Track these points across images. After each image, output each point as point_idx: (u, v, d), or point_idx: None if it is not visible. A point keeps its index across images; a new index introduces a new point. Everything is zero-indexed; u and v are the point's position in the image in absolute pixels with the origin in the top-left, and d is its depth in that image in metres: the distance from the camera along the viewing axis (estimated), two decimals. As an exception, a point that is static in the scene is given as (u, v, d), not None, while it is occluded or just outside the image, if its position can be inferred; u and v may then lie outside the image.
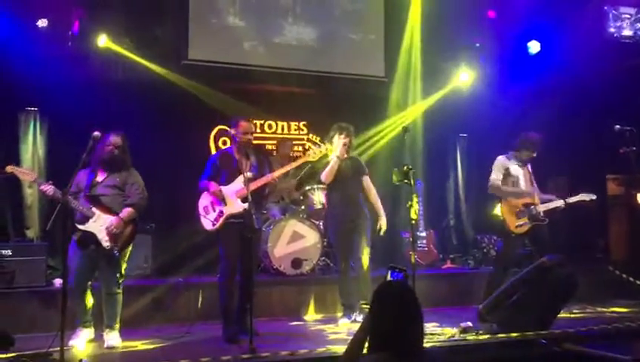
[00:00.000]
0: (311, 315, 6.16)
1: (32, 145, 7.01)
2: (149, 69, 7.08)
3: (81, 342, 4.78)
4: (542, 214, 5.88)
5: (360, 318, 5.43)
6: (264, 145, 8.04)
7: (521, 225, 5.85)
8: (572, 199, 6.00)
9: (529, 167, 6.12)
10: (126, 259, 4.95)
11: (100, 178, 4.89)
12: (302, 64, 8.02)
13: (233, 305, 5.04)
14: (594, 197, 6.06)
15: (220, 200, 5.06)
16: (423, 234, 7.70)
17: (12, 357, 4.24)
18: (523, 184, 5.99)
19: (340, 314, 5.76)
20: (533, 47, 8.48)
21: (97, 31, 6.82)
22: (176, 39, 7.44)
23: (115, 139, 4.90)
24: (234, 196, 5.05)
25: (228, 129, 5.32)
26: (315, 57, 8.13)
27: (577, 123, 8.27)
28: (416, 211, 5.24)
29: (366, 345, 2.59)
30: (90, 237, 4.74)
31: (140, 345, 4.88)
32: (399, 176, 5.31)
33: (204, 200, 5.15)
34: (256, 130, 7.82)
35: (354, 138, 5.83)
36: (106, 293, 4.86)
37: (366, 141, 7.97)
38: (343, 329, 5.42)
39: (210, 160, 5.30)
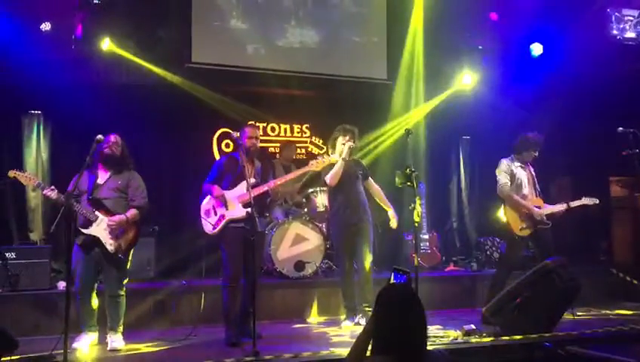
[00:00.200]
0: (314, 318, 6.16)
1: (36, 148, 7.03)
2: (152, 72, 7.10)
3: (85, 344, 4.79)
4: (545, 218, 5.87)
5: (363, 321, 5.42)
6: (267, 148, 8.05)
7: (524, 228, 5.84)
8: (575, 203, 5.99)
9: (531, 169, 6.10)
10: (129, 261, 4.96)
11: (101, 180, 4.90)
12: (305, 67, 8.03)
13: (236, 309, 5.05)
14: (597, 201, 6.05)
15: (223, 204, 5.08)
16: (426, 236, 7.69)
17: (16, 359, 4.25)
18: (526, 187, 5.97)
19: (343, 317, 5.76)
20: (536, 49, 8.49)
21: (101, 34, 6.84)
22: (180, 42, 7.46)
23: (111, 138, 4.90)
24: (236, 201, 5.06)
25: (231, 132, 5.32)
26: (318, 60, 8.14)
27: (580, 125, 8.26)
28: (419, 214, 5.23)
29: (369, 347, 2.59)
30: (94, 241, 4.75)
31: (143, 347, 4.89)
32: (402, 179, 5.31)
33: (207, 203, 5.16)
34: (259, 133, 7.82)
35: (358, 140, 5.84)
36: (109, 296, 4.87)
37: (369, 143, 7.98)
38: (346, 331, 5.42)
39: (216, 163, 5.33)
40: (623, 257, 7.91)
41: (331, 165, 5.56)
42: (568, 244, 7.20)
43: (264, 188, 5.11)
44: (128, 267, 4.95)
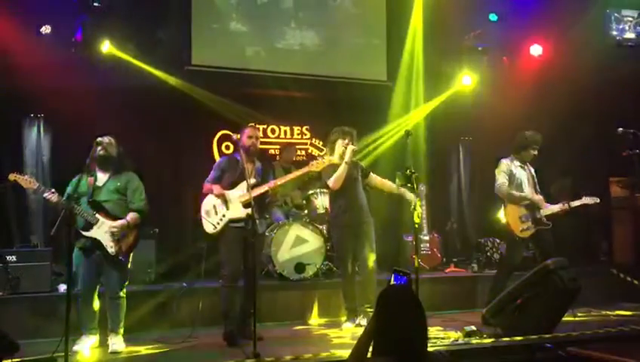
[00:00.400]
0: (315, 319, 6.15)
1: (37, 150, 7.04)
2: (152, 75, 7.10)
3: (86, 347, 4.79)
4: (545, 219, 5.87)
5: (364, 322, 5.42)
6: (267, 149, 8.05)
7: (525, 229, 5.84)
8: (575, 203, 5.98)
9: (531, 169, 6.10)
10: (129, 263, 4.96)
11: (99, 182, 4.90)
12: (304, 69, 8.03)
13: (235, 310, 5.06)
14: (597, 200, 6.04)
15: (223, 203, 5.08)
16: (426, 237, 7.68)
17: (17, 362, 4.26)
18: (527, 187, 5.97)
19: (343, 319, 5.76)
20: (536, 50, 8.49)
21: (101, 37, 6.84)
22: (180, 45, 7.48)
23: (105, 140, 4.88)
24: (236, 201, 5.07)
25: (231, 134, 5.33)
26: (318, 62, 8.16)
27: (580, 126, 8.26)
28: (420, 215, 5.24)
29: (370, 349, 2.59)
30: (95, 244, 4.75)
31: (143, 349, 4.90)
32: (402, 180, 5.31)
33: (208, 203, 5.17)
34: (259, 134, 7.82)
35: (356, 142, 5.84)
36: (110, 298, 4.88)
37: (369, 145, 7.98)
38: (347, 333, 5.42)
39: (217, 163, 5.36)
40: (624, 258, 7.91)
41: (331, 166, 5.55)
42: (568, 245, 7.19)
43: (264, 188, 5.11)
44: (129, 267, 4.96)
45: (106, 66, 6.91)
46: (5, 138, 6.90)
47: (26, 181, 4.76)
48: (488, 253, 7.88)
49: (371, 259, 5.57)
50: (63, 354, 4.04)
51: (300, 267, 6.41)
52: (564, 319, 5.32)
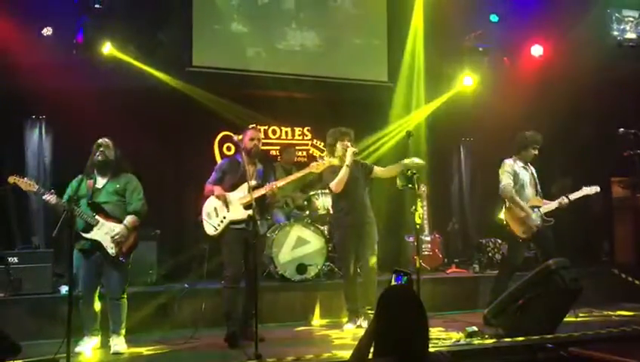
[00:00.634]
0: (316, 320, 6.15)
1: (38, 152, 7.05)
2: (153, 76, 7.11)
3: (88, 348, 4.80)
4: (545, 216, 5.86)
5: (365, 323, 5.42)
6: (268, 151, 8.05)
7: (525, 231, 5.83)
8: (575, 195, 5.94)
9: (533, 170, 6.09)
10: (129, 264, 4.97)
11: (99, 184, 4.90)
12: (305, 69, 8.04)
13: (237, 311, 5.06)
14: (598, 189, 5.99)
15: (224, 205, 5.09)
16: (428, 238, 7.68)
17: (19, 364, 4.26)
18: (529, 188, 5.96)
19: (345, 320, 5.76)
20: (537, 50, 8.49)
21: (102, 39, 6.84)
22: (180, 46, 7.48)
23: (103, 142, 4.89)
24: (237, 202, 5.07)
25: (233, 135, 5.33)
26: (319, 63, 8.16)
27: (581, 126, 8.26)
28: (421, 215, 5.23)
29: (372, 350, 2.59)
30: (95, 245, 4.76)
31: (145, 350, 4.90)
32: (403, 181, 5.31)
33: (209, 204, 5.17)
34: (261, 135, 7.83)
35: (354, 143, 5.81)
36: (111, 299, 4.89)
37: (370, 146, 7.97)
38: (349, 334, 5.42)
39: (218, 165, 5.37)
40: (625, 258, 7.90)
41: (332, 167, 5.56)
42: (570, 245, 7.19)
43: (264, 189, 5.11)
44: (129, 268, 4.96)
45: (107, 68, 6.92)
46: (7, 139, 6.91)
47: (26, 183, 4.77)
48: (490, 254, 7.88)
49: (373, 258, 5.58)
50: (65, 355, 4.05)
51: (301, 268, 6.42)
52: (565, 319, 5.31)
